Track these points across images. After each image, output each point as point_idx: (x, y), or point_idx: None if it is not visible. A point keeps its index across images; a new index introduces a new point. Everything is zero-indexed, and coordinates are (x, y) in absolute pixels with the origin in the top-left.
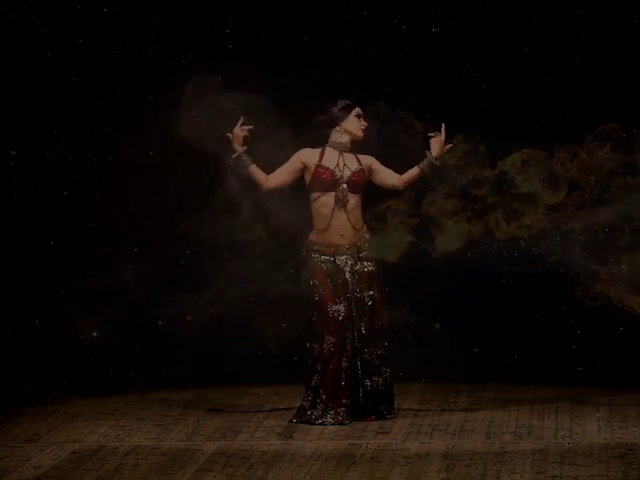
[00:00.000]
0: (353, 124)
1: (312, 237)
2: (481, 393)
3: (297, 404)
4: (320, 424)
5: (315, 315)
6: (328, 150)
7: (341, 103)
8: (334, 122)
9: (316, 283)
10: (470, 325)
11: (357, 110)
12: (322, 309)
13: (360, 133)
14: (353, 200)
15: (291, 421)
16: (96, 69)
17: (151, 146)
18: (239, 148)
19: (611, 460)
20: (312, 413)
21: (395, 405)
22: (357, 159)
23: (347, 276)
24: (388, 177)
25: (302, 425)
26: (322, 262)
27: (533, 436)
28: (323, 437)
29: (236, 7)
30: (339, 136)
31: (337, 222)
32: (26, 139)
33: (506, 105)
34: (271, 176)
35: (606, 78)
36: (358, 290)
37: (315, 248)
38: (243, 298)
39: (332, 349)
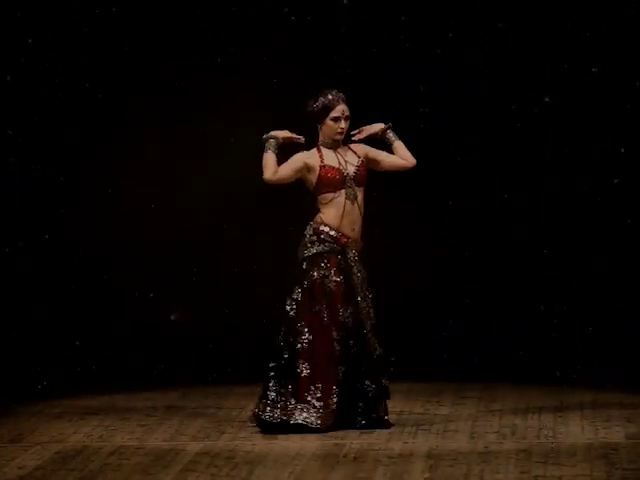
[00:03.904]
0: (329, 129)
1: (325, 220)
2: (465, 393)
3: None
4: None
5: (323, 308)
6: (323, 150)
7: (320, 102)
8: (314, 121)
9: (330, 276)
10: (455, 325)
11: (334, 113)
12: (332, 307)
13: (337, 137)
14: (361, 194)
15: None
16: (94, 70)
17: (150, 149)
18: (280, 134)
19: (594, 460)
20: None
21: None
22: (353, 152)
23: (356, 272)
24: (392, 159)
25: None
26: (335, 253)
27: (517, 436)
28: (307, 437)
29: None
30: (324, 135)
31: (350, 218)
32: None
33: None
34: (278, 169)
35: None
36: (362, 290)
37: (326, 230)
38: (227, 297)
39: (339, 348)
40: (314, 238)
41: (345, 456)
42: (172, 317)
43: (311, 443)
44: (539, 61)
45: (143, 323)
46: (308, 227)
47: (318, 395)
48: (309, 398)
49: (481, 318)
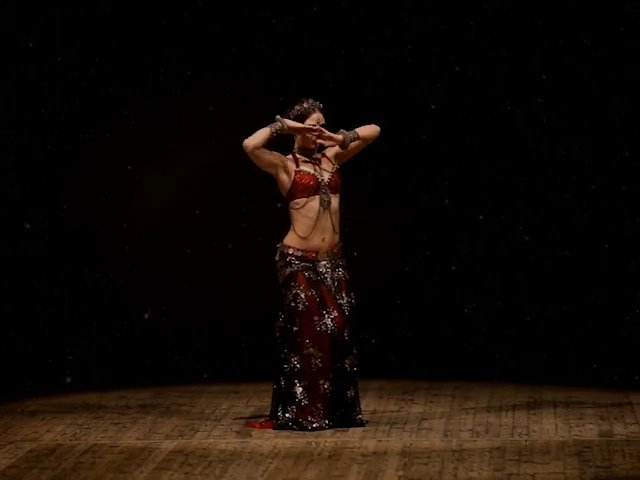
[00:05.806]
0: (304, 137)
1: (289, 242)
2: (438, 391)
3: (255, 402)
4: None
5: (298, 326)
6: (299, 157)
7: (295, 110)
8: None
9: (299, 294)
10: (427, 322)
11: (309, 121)
12: (307, 322)
13: (312, 146)
14: (335, 201)
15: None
16: (89, 71)
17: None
18: (290, 123)
19: (568, 458)
20: (299, 426)
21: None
22: (328, 159)
23: (329, 282)
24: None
25: None
26: (303, 270)
27: (490, 434)
28: (281, 435)
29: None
30: (300, 143)
31: (321, 225)
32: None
33: None
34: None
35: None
36: (339, 297)
37: (290, 252)
38: (202, 297)
39: (320, 364)
40: (282, 263)
41: (319, 454)
42: (146, 316)
43: (285, 441)
44: (538, 61)
45: (120, 322)
46: (277, 251)
47: (311, 419)
48: (304, 423)
49: (461, 318)
